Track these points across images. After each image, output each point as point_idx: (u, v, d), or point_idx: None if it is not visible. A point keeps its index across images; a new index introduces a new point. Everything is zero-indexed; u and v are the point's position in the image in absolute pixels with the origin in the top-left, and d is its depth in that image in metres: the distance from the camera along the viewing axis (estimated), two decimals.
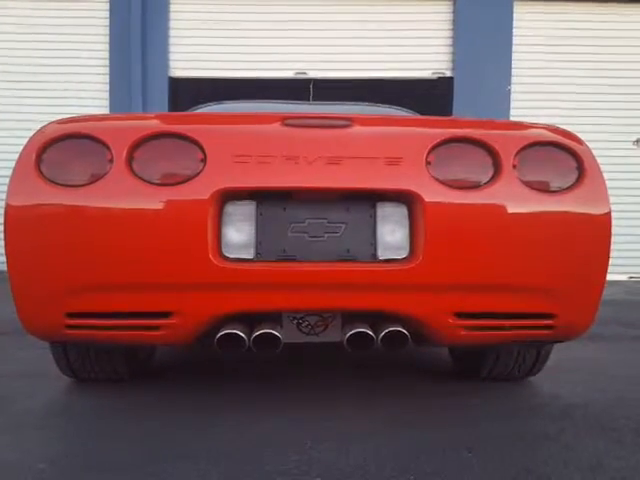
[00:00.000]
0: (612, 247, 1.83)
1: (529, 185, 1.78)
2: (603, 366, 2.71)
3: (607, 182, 1.85)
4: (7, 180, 1.75)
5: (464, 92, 7.58)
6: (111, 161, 1.71)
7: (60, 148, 1.75)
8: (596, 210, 1.81)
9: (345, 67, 7.70)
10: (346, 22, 7.70)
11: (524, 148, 1.80)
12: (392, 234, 1.76)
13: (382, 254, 1.76)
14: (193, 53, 7.69)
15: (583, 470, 1.46)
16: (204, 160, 1.72)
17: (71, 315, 1.75)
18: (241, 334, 1.72)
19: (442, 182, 1.75)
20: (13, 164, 1.75)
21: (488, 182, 1.77)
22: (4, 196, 1.74)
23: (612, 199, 1.84)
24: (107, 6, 7.55)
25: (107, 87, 7.57)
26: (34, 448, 1.59)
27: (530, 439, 1.68)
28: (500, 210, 1.76)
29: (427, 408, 1.98)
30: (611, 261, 1.85)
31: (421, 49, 7.74)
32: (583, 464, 1.49)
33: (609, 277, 1.94)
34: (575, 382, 2.36)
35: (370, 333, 1.74)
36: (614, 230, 1.84)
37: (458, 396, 2.12)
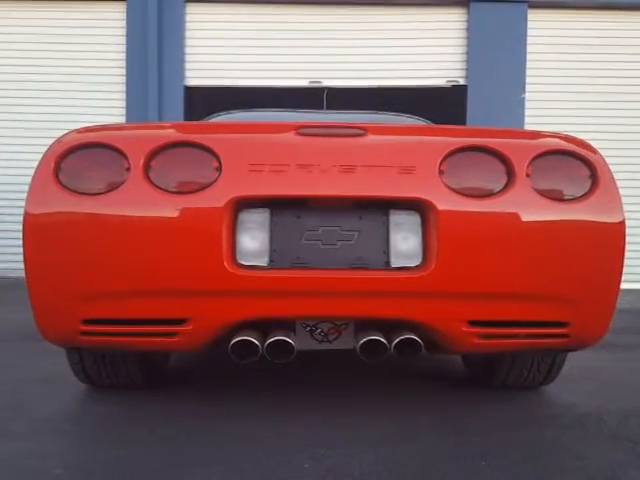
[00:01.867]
0: (628, 255, 1.82)
1: (542, 194, 1.78)
2: (618, 375, 2.69)
3: (622, 190, 1.84)
4: (26, 188, 1.79)
5: (478, 100, 7.56)
6: (128, 170, 1.74)
7: (78, 157, 1.78)
8: (610, 219, 1.80)
9: (359, 75, 7.73)
10: (360, 31, 7.73)
11: (537, 157, 1.80)
12: (405, 242, 1.77)
13: (395, 262, 1.77)
14: (208, 62, 7.76)
15: None
16: (219, 169, 1.74)
17: (87, 322, 1.78)
18: (255, 341, 1.73)
19: (455, 190, 1.75)
20: (32, 173, 1.79)
21: (501, 190, 1.78)
22: (23, 204, 1.78)
23: (627, 207, 1.84)
24: (124, 16, 7.66)
25: (124, 96, 7.66)
26: (51, 453, 1.62)
27: (544, 448, 1.67)
28: (513, 218, 1.76)
29: (441, 416, 1.98)
30: (627, 269, 1.84)
31: (435, 57, 7.74)
32: (597, 474, 1.48)
33: (625, 285, 1.93)
34: (590, 391, 2.34)
35: (383, 341, 1.75)
36: (629, 238, 1.83)
37: (472, 404, 2.12)
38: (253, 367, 2.59)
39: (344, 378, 2.54)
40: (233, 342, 1.74)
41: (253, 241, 1.75)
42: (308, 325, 1.92)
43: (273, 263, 1.75)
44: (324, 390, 2.31)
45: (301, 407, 2.05)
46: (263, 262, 1.75)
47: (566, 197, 1.80)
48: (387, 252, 1.77)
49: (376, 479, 1.43)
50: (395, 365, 2.75)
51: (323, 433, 1.77)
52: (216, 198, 1.72)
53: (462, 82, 7.75)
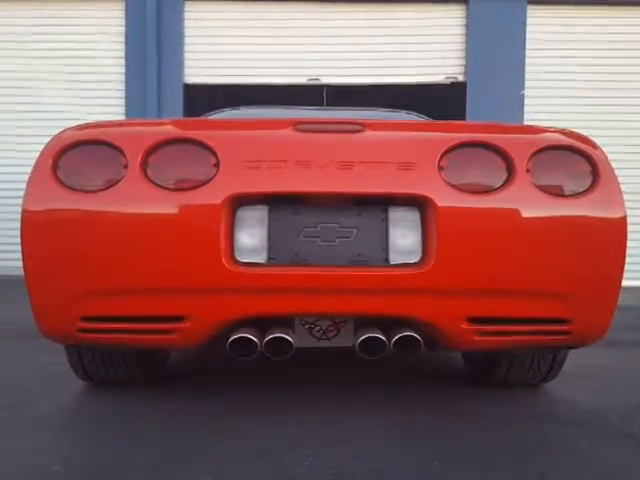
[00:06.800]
0: (630, 251, 1.81)
1: (543, 189, 1.76)
2: (621, 372, 2.68)
3: (626, 186, 1.83)
4: (24, 185, 1.78)
5: (477, 97, 7.54)
6: (126, 167, 1.73)
7: (76, 154, 1.77)
8: (611, 214, 1.79)
9: (358, 72, 7.71)
10: (359, 28, 7.71)
11: (538, 152, 1.78)
12: (404, 238, 1.76)
13: (394, 258, 1.75)
14: (207, 60, 7.74)
15: (600, 478, 1.44)
16: (217, 165, 1.73)
17: (85, 319, 1.77)
18: (253, 338, 1.72)
19: (455, 186, 1.74)
20: (30, 170, 1.78)
21: (501, 186, 1.76)
22: (21, 201, 1.77)
23: (631, 203, 1.82)
24: (123, 14, 7.64)
25: (123, 94, 7.65)
26: (49, 450, 1.61)
27: (546, 446, 1.66)
28: (513, 214, 1.74)
29: (442, 414, 1.97)
30: (630, 266, 1.83)
31: (434, 54, 7.73)
32: (600, 472, 1.48)
33: (629, 283, 1.91)
34: (592, 388, 2.33)
35: (382, 338, 1.74)
36: (633, 235, 1.81)
37: (473, 402, 2.11)
38: (252, 365, 2.59)
39: (343, 377, 2.53)
40: (231, 339, 1.73)
41: (251, 238, 1.74)
42: (307, 322, 1.91)
43: (271, 260, 1.74)
44: (323, 388, 2.30)
45: (300, 405, 2.04)
46: (261, 259, 1.74)
47: (567, 193, 1.79)
48: (386, 249, 1.76)
49: (375, 477, 1.43)
50: (395, 363, 2.74)
51: (322, 431, 1.76)
52: (214, 195, 1.70)
53: (461, 79, 7.73)
